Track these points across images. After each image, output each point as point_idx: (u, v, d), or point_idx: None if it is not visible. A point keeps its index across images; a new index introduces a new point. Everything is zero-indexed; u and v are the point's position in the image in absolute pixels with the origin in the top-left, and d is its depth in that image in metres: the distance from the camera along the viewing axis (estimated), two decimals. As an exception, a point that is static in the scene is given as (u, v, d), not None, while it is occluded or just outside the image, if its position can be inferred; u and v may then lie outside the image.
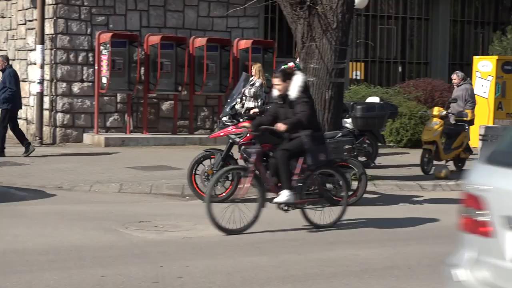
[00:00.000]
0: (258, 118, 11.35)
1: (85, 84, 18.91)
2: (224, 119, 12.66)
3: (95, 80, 18.75)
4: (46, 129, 18.67)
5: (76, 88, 18.84)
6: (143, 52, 18.88)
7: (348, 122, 15.60)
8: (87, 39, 18.89)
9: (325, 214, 10.33)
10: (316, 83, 13.79)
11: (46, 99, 18.61)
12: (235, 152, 12.31)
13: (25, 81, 19.37)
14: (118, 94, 19.20)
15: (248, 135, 11.64)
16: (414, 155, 16.64)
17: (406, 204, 12.73)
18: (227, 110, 12.73)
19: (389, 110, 16.54)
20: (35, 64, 18.70)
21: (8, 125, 16.32)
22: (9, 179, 13.68)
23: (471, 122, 16.38)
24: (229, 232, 9.71)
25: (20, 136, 16.49)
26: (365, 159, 16.01)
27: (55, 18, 18.56)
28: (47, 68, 18.57)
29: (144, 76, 19.12)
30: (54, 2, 18.51)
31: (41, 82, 18.42)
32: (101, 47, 18.61)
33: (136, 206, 11.91)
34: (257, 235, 9.84)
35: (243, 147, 11.82)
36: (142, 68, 19.05)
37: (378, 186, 13.82)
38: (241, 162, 12.03)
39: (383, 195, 13.32)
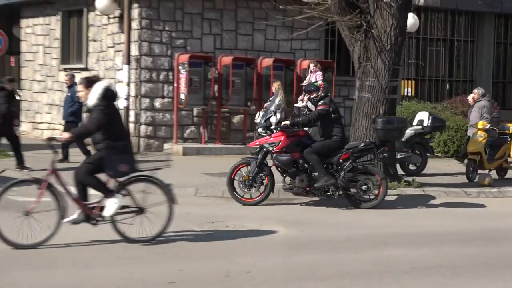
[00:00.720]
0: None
1: (166, 100, 19.09)
2: (259, 130, 12.70)
3: (174, 96, 18.93)
4: (131, 140, 18.86)
5: (157, 103, 19.05)
6: (216, 71, 18.99)
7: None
8: (168, 60, 19.07)
9: (144, 227, 8.94)
10: (371, 99, 13.75)
11: (132, 113, 18.83)
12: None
13: (113, 97, 19.63)
14: (194, 109, 19.33)
15: (280, 144, 11.84)
16: (460, 165, 16.40)
17: (451, 209, 12.56)
18: (262, 122, 12.76)
19: (437, 123, 16.39)
20: (122, 82, 18.93)
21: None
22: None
23: (512, 135, 16.12)
24: (17, 246, 8.35)
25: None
26: (414, 167, 15.89)
27: (140, 41, 18.80)
28: (132, 86, 18.80)
29: (217, 93, 19.23)
30: (139, 28, 18.75)
31: (127, 98, 18.65)
32: (180, 67, 18.78)
33: (210, 208, 11.96)
34: (315, 236, 9.82)
35: (275, 155, 11.88)
36: (216, 86, 19.16)
37: (427, 192, 13.66)
38: (274, 169, 12.14)
39: (429, 200, 13.16)
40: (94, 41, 20.47)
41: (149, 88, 18.95)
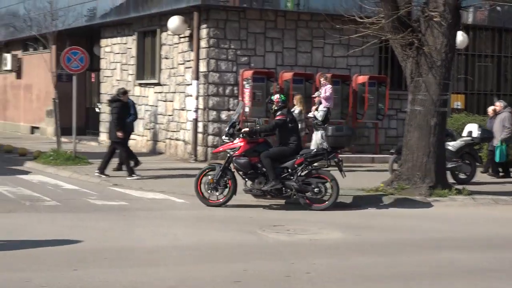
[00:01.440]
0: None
1: (231, 112, 19.14)
2: (223, 137, 12.77)
3: (239, 109, 18.98)
4: (199, 149, 19.01)
5: (224, 115, 19.11)
6: (278, 86, 18.97)
7: (450, 145, 15.25)
8: (233, 75, 19.14)
9: None
10: (423, 112, 13.54)
11: (200, 124, 18.95)
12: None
13: (183, 110, 19.80)
14: (257, 119, 19.30)
15: (239, 149, 12.10)
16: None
17: (501, 215, 12.28)
18: (226, 130, 12.76)
19: (486, 135, 16.09)
20: (191, 96, 19.10)
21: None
22: (171, 188, 14.00)
23: None
24: None
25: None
26: (464, 176, 15.60)
27: (208, 59, 18.91)
28: (201, 99, 18.92)
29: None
30: (207, 46, 18.87)
31: (196, 110, 18.79)
32: (244, 82, 18.83)
33: (272, 213, 11.92)
34: (371, 239, 9.69)
35: (234, 158, 12.11)
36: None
37: (477, 199, 13.38)
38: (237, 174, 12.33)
39: (478, 207, 12.89)
40: (166, 58, 20.68)
41: (216, 102, 19.03)
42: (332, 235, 9.83)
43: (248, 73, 18.69)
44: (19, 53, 30.28)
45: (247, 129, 12.27)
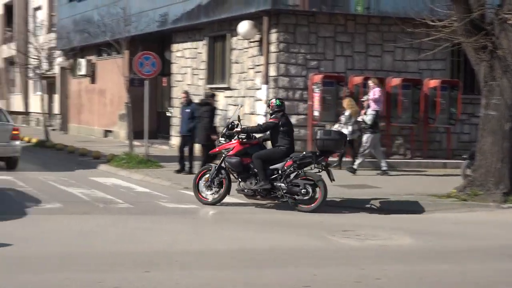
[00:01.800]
0: None
1: (301, 116, 19.14)
2: (220, 139, 13.05)
3: (308, 113, 18.96)
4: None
5: (293, 119, 19.07)
6: (348, 90, 18.84)
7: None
8: (303, 80, 19.13)
9: None
10: (497, 116, 13.26)
11: (269, 128, 18.96)
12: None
13: (252, 114, 19.89)
14: (326, 124, 19.26)
15: (233, 149, 12.44)
16: None
17: None
18: (223, 131, 13.08)
19: None
20: (261, 100, 19.16)
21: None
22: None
23: None
24: None
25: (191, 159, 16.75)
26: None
27: (277, 63, 18.94)
28: (270, 104, 18.95)
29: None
30: (277, 51, 18.91)
31: (266, 115, 18.82)
32: (314, 86, 18.79)
33: (341, 217, 11.86)
34: (442, 246, 9.53)
35: (226, 157, 12.51)
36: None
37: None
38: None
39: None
40: (236, 63, 20.81)
41: (286, 106, 18.99)
42: (402, 241, 9.71)
43: (318, 78, 18.66)
44: (93, 58, 30.96)
45: (239, 129, 12.65)
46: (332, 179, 12.34)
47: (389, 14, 19.13)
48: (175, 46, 24.48)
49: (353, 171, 16.69)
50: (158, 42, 25.85)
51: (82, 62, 31.10)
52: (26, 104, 42.22)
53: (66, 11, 32.95)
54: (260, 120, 18.99)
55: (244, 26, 19.19)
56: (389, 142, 19.72)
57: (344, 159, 17.30)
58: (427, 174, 17.44)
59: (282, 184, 12.15)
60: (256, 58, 19.70)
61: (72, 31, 30.96)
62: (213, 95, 16.78)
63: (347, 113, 17.03)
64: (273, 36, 18.93)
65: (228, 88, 21.02)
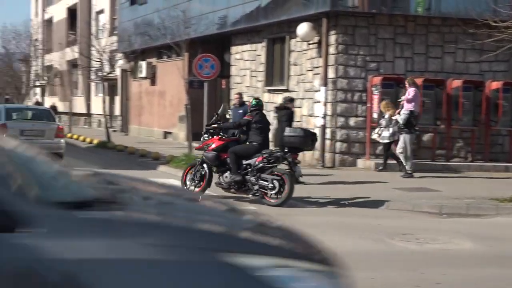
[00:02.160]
0: None
1: (359, 118, 19.03)
2: (204, 135, 13.83)
3: (367, 115, 18.83)
4: (327, 155, 18.98)
5: (352, 122, 19.02)
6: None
7: None
8: (362, 82, 19.01)
9: None
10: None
11: (328, 131, 18.93)
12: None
13: (311, 116, 19.86)
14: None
15: (212, 145, 13.23)
16: None
17: None
18: (206, 128, 13.99)
19: None
20: (319, 102, 19.12)
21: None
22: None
23: None
24: None
25: None
26: None
27: (336, 65, 18.88)
28: (329, 106, 18.91)
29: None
30: (336, 52, 18.84)
31: (324, 117, 18.80)
32: (373, 88, 18.66)
33: (400, 221, 11.74)
34: (503, 251, 9.35)
35: (204, 152, 13.39)
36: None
37: None
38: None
39: None
40: (295, 65, 20.81)
41: (344, 108, 18.96)
42: (462, 245, 9.56)
43: (377, 79, 18.52)
44: (153, 60, 31.37)
45: (215, 125, 13.56)
46: (297, 178, 13.34)
47: (450, 15, 18.87)
48: (234, 48, 24.61)
49: (410, 175, 16.47)
50: (217, 44, 26.03)
51: (143, 64, 31.54)
52: (88, 105, 43.07)
53: (128, 14, 33.47)
54: (319, 122, 18.96)
55: (303, 28, 19.18)
56: (450, 144, 19.45)
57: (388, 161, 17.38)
58: (489, 177, 17.13)
59: (252, 178, 12.73)
60: (315, 60, 19.66)
61: (133, 34, 31.45)
62: (291, 100, 17.13)
63: (386, 115, 17.10)
64: (332, 38, 18.87)
65: (287, 90, 21.02)
